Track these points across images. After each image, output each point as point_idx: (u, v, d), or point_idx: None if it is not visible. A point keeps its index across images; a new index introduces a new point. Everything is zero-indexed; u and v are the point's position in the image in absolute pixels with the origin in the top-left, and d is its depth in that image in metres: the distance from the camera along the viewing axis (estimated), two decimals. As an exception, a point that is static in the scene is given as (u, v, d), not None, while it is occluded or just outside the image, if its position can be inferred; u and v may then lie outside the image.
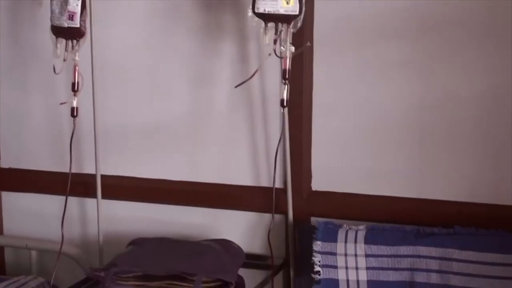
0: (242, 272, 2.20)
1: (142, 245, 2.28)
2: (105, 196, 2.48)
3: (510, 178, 2.15)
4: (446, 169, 2.21)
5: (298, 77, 2.21)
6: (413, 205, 2.23)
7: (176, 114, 2.45)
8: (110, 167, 2.52)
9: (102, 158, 2.46)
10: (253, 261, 2.33)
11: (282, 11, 1.98)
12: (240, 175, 2.41)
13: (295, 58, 2.04)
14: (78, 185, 2.49)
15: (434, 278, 2.06)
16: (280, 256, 2.35)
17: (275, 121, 2.32)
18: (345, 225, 2.19)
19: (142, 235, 2.37)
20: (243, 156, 2.40)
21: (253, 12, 2.00)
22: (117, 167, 2.53)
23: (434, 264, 2.06)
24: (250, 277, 2.23)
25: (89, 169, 2.53)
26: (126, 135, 2.51)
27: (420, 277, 2.07)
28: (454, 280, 2.04)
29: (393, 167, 2.26)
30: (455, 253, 2.05)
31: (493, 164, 2.16)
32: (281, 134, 2.20)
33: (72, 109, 2.26)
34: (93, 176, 2.46)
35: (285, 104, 2.04)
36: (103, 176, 2.47)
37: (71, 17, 2.17)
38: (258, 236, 2.39)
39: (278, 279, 2.32)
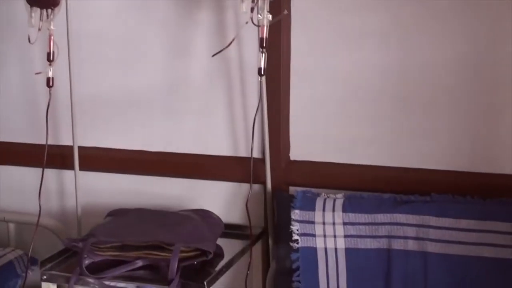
0: (221, 242, 2.20)
1: (120, 216, 2.27)
2: (82, 167, 2.46)
3: (485, 146, 2.16)
4: (423, 138, 2.22)
5: (276, 45, 2.20)
6: (390, 173, 2.24)
7: (153, 84, 2.43)
8: (88, 138, 2.51)
9: (79, 129, 2.45)
10: (232, 231, 2.33)
11: (259, -21, 1.97)
12: (218, 145, 2.40)
13: (272, 26, 2.03)
14: (55, 157, 2.48)
15: (411, 245, 2.07)
16: (258, 226, 2.35)
17: (253, 90, 2.31)
18: (323, 194, 2.20)
19: (120, 207, 2.37)
20: (221, 127, 2.39)
21: (230, -21, 1.99)
22: (94, 139, 2.52)
23: (411, 231, 2.07)
24: (229, 246, 2.23)
25: (66, 140, 2.51)
26: (103, 105, 2.49)
27: (397, 244, 2.08)
28: (431, 246, 2.05)
29: (370, 136, 2.26)
30: (432, 220, 2.06)
31: (469, 132, 2.17)
32: (258, 103, 2.19)
33: (48, 79, 2.24)
34: (70, 148, 2.45)
35: (262, 73, 2.03)
36: (80, 148, 2.46)
37: (45, -15, 2.14)
38: (236, 206, 2.39)
39: (257, 248, 2.33)
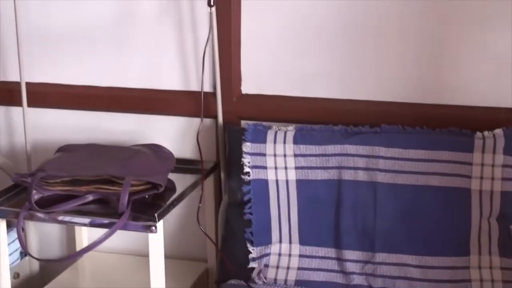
0: (173, 176, 2.20)
1: (70, 151, 2.25)
2: (31, 104, 2.42)
3: (434, 78, 2.18)
4: (372, 70, 2.22)
5: (226, -24, 2.17)
6: (341, 105, 2.25)
7: (102, 18, 2.38)
8: (35, 74, 2.46)
9: (27, 64, 2.39)
10: (184, 165, 2.33)
11: None
12: (168, 79, 2.38)
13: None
14: (3, 93, 2.43)
15: (361, 176, 2.10)
16: (210, 160, 2.35)
17: (203, 22, 2.28)
18: (274, 127, 2.20)
19: (71, 143, 2.34)
20: (172, 60, 2.36)
21: None
22: (42, 74, 2.47)
23: (361, 162, 2.09)
24: (181, 181, 2.22)
25: (13, 76, 2.46)
26: (51, 39, 2.44)
27: (347, 175, 2.10)
28: (381, 176, 2.08)
29: (321, 69, 2.26)
30: (382, 151, 2.08)
31: (418, 64, 2.19)
32: (208, 35, 2.17)
33: (-9, 11, 2.18)
34: (18, 84, 2.40)
35: (212, 3, 2.00)
36: (28, 84, 2.41)
37: None
38: (188, 140, 2.38)
39: (209, 182, 2.33)
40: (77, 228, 2.46)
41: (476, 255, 2.05)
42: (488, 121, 2.11)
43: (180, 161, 2.31)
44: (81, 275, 2.43)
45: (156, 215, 1.95)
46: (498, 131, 2.06)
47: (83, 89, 2.45)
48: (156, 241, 1.99)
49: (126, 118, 2.44)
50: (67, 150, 2.26)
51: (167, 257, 2.08)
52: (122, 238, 2.45)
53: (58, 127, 2.49)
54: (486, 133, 2.07)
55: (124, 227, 1.96)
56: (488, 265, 2.05)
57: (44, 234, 2.55)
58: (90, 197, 2.04)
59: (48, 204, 2.02)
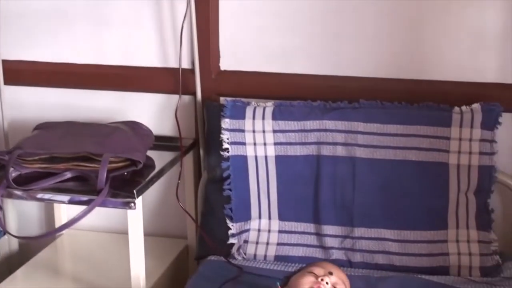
0: (152, 154, 2.20)
1: (48, 129, 2.23)
2: (7, 82, 2.40)
3: (412, 54, 2.18)
4: (351, 46, 2.22)
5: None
6: (319, 81, 2.25)
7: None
8: (12, 51, 2.43)
9: (3, 42, 2.37)
10: (163, 143, 2.32)
11: None
12: (146, 56, 2.36)
13: None
14: (-21, 71, 2.41)
15: (340, 151, 2.10)
16: (190, 137, 2.35)
17: (181, -2, 2.27)
18: (253, 103, 2.19)
19: (48, 121, 2.32)
20: (149, 37, 2.34)
21: None
22: (18, 52, 2.44)
23: (340, 137, 2.10)
24: (161, 158, 2.22)
25: (-11, 54, 2.44)
26: (26, 16, 2.40)
27: (326, 150, 2.10)
28: (359, 151, 2.08)
29: (300, 45, 2.25)
30: (360, 126, 2.09)
31: (396, 39, 2.19)
32: (186, 11, 2.15)
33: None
34: (-6, 61, 2.38)
35: (189, -22, 1.99)
36: (4, 61, 2.39)
37: None
38: (167, 118, 2.37)
39: (188, 159, 2.33)
40: (56, 206, 2.45)
41: (454, 229, 2.07)
42: (466, 96, 2.12)
43: (159, 138, 2.31)
44: (60, 253, 2.42)
45: (135, 191, 1.95)
46: (476, 106, 2.07)
47: (60, 66, 2.42)
48: (135, 218, 1.99)
49: (104, 96, 2.42)
50: (45, 127, 2.24)
51: (146, 234, 2.08)
52: (101, 216, 2.44)
53: (35, 105, 2.46)
54: (464, 107, 2.08)
55: (103, 204, 1.96)
56: (465, 239, 2.06)
57: (23, 213, 2.54)
58: (68, 175, 2.03)
59: (26, 182, 2.00)
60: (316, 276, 1.73)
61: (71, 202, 2.00)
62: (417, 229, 2.08)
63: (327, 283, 1.71)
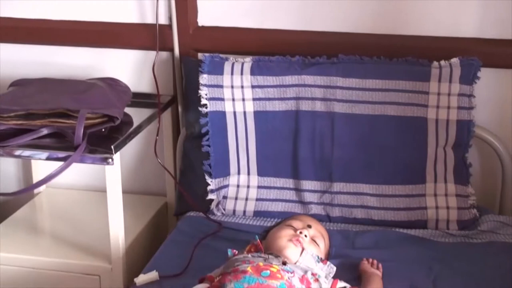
0: (130, 111, 2.18)
1: (24, 85, 2.20)
2: (-18, 38, 2.37)
3: (390, 8, 2.17)
4: (330, 1, 2.20)
5: None
6: (298, 37, 2.23)
7: None
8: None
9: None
10: (141, 99, 2.30)
11: None
12: (123, 12, 2.33)
13: None
14: (-48, 28, 2.36)
15: (319, 106, 2.09)
16: (168, 94, 2.33)
17: (158, -49, 2.23)
18: (231, 58, 2.17)
19: (24, 77, 2.29)
20: (126, -8, 2.31)
21: None
22: (-7, 8, 2.41)
23: (318, 92, 2.09)
24: (138, 115, 2.20)
25: (-37, 10, 2.39)
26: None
27: (305, 106, 2.10)
28: (338, 106, 2.08)
29: (279, 0, 2.23)
30: (339, 81, 2.08)
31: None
32: (163, -35, 2.12)
33: None
34: (-32, 18, 2.34)
35: None
36: (-21, 18, 2.36)
37: None
38: (144, 74, 2.35)
39: (167, 116, 2.31)
40: (33, 164, 2.43)
41: (432, 183, 2.08)
42: (444, 50, 2.12)
43: (137, 95, 2.29)
44: (39, 211, 2.41)
45: (112, 147, 1.94)
46: (455, 60, 2.07)
47: (35, 22, 2.39)
48: (113, 174, 1.98)
49: (81, 52, 2.39)
50: (20, 84, 2.21)
51: (125, 192, 2.08)
52: (80, 174, 2.44)
53: (11, 62, 2.43)
54: (442, 62, 2.07)
55: (81, 160, 1.95)
56: (443, 193, 2.08)
57: (1, 172, 2.52)
58: (44, 131, 2.01)
59: (2, 139, 1.98)
60: (295, 229, 1.74)
61: (49, 158, 1.99)
62: (395, 184, 2.08)
63: (305, 236, 1.72)
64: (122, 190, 2.02)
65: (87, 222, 2.28)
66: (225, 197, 2.14)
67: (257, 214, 2.12)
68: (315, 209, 2.10)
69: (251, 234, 1.89)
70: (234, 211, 2.14)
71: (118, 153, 1.97)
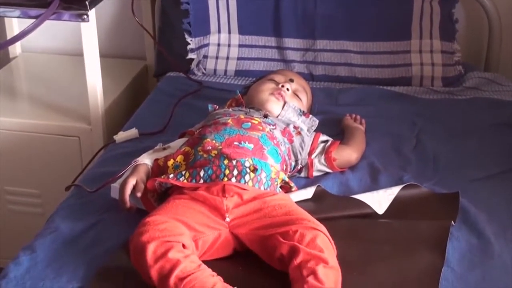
0: None
1: None
2: None
3: None
4: None
5: None
6: None
7: None
8: None
9: None
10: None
11: None
12: None
13: None
14: None
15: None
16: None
17: None
18: None
19: None
20: None
21: None
22: None
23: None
24: None
25: None
26: None
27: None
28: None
29: None
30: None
31: None
32: None
33: None
34: None
35: None
36: None
37: None
38: None
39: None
40: (7, 23, 2.34)
41: (417, 39, 2.04)
42: None
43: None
44: (16, 75, 2.35)
45: (87, 2, 1.86)
46: None
47: None
48: (89, 32, 1.91)
49: None
50: None
51: (104, 56, 2.02)
52: (57, 37, 2.37)
53: None
54: None
55: (57, 18, 1.87)
56: (429, 49, 2.04)
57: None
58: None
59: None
60: (277, 83, 1.70)
61: (22, 16, 1.91)
62: (380, 40, 2.04)
63: (287, 89, 1.68)
64: (100, 54, 1.96)
65: (65, 85, 2.22)
66: (205, 56, 2.09)
67: (239, 73, 2.08)
68: (298, 68, 2.06)
69: (232, 93, 1.84)
70: (215, 70, 2.09)
71: (93, 9, 1.89)
